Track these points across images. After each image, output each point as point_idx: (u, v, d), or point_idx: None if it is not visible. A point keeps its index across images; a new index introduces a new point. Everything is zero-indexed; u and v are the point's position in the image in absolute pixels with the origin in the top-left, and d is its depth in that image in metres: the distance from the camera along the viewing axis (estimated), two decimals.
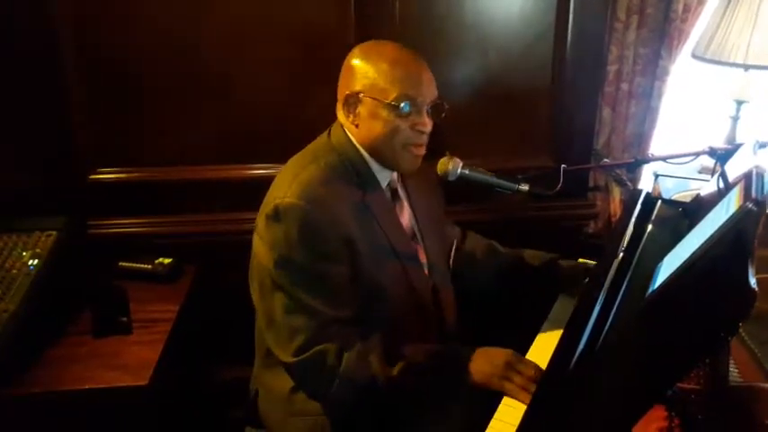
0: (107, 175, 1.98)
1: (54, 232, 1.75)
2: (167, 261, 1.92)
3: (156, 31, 1.84)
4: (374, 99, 1.35)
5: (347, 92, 1.37)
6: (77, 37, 1.82)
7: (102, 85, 1.89)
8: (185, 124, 1.96)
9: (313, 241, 1.30)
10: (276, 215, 1.31)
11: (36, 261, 1.66)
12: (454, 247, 1.66)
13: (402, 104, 1.34)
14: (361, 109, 1.37)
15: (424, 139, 1.40)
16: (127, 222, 2.02)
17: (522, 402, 1.27)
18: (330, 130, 1.45)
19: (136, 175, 1.99)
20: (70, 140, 1.91)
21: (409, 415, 1.39)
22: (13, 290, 1.57)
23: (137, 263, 1.91)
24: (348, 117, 1.39)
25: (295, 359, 1.32)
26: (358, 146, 1.41)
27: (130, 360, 1.58)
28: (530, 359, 1.37)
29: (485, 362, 1.34)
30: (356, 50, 1.40)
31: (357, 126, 1.39)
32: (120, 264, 1.91)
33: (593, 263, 1.65)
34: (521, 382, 1.29)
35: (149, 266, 1.90)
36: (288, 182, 1.34)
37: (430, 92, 1.37)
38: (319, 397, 1.40)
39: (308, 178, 1.34)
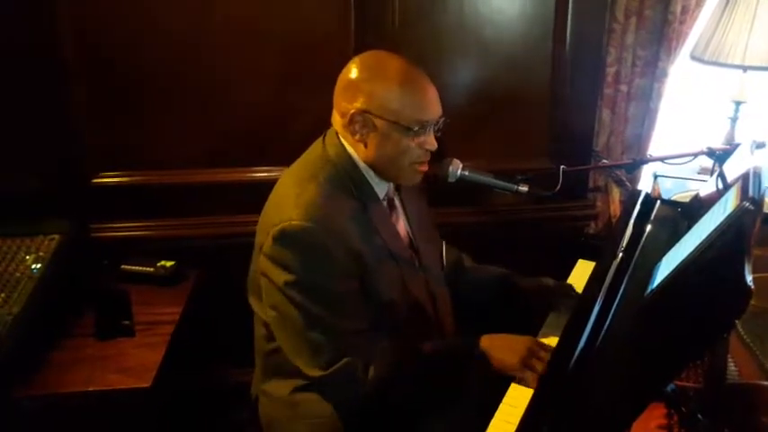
0: (110, 179, 1.99)
1: (57, 236, 1.76)
2: (169, 264, 1.93)
3: (159, 34, 1.86)
4: (385, 120, 1.32)
5: (352, 110, 1.32)
6: (79, 40, 1.84)
7: (104, 90, 1.90)
8: (187, 127, 1.97)
9: (324, 261, 1.30)
10: (284, 239, 1.30)
11: (39, 264, 1.67)
12: (444, 250, 1.66)
13: (415, 127, 1.32)
14: (370, 129, 1.34)
15: (430, 156, 1.40)
16: (129, 225, 2.03)
17: None
18: (324, 141, 1.42)
19: (138, 178, 2.00)
20: (73, 144, 1.92)
21: (414, 413, 1.40)
22: (17, 293, 1.58)
23: (139, 266, 1.92)
24: (354, 135, 1.36)
25: (324, 373, 1.33)
26: (356, 159, 1.38)
27: (133, 362, 1.59)
28: (550, 345, 1.37)
29: (505, 348, 1.36)
30: (357, 65, 1.34)
31: (365, 145, 1.36)
32: (123, 267, 1.92)
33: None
34: (542, 371, 1.30)
35: (152, 269, 1.91)
36: (291, 202, 1.32)
37: (437, 111, 1.36)
38: (346, 406, 1.41)
39: (310, 198, 1.32)
